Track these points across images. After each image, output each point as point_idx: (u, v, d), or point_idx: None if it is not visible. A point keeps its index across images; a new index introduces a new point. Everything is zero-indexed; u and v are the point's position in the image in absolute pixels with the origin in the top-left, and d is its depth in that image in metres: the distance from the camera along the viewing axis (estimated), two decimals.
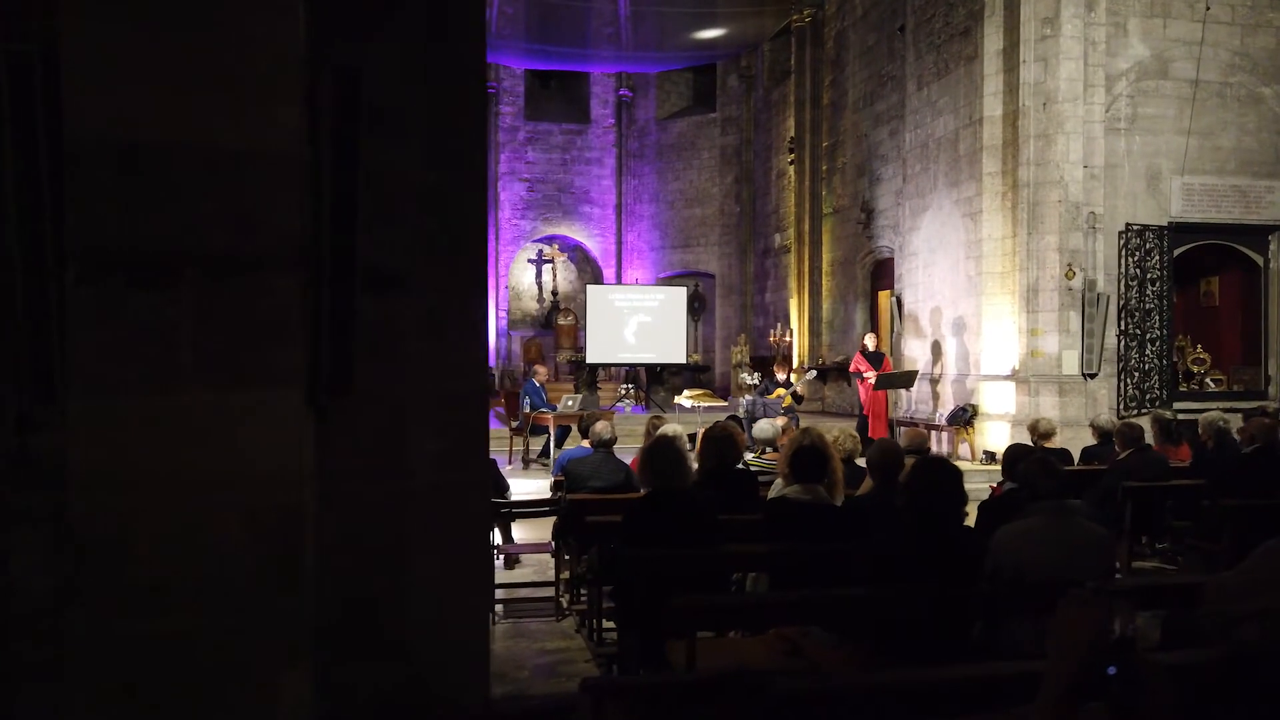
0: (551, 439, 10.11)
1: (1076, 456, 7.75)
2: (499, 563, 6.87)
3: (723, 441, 4.78)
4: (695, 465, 4.83)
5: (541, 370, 11.34)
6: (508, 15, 19.30)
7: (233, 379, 2.79)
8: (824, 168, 16.32)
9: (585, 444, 6.19)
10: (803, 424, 11.84)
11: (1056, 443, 9.14)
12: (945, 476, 3.29)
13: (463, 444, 3.67)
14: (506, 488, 6.72)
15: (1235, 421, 7.45)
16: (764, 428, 5.91)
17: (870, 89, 14.62)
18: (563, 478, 5.83)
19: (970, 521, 5.04)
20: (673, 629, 3.19)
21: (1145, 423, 7.12)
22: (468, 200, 3.75)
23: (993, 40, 10.99)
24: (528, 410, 10.34)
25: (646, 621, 3.47)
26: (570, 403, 10.43)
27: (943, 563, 3.26)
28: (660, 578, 3.71)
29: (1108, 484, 6.12)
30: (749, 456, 5.98)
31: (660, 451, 3.94)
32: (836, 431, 5.95)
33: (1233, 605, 2.87)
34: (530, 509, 6.25)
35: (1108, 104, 10.77)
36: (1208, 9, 10.93)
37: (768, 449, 5.85)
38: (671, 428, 5.81)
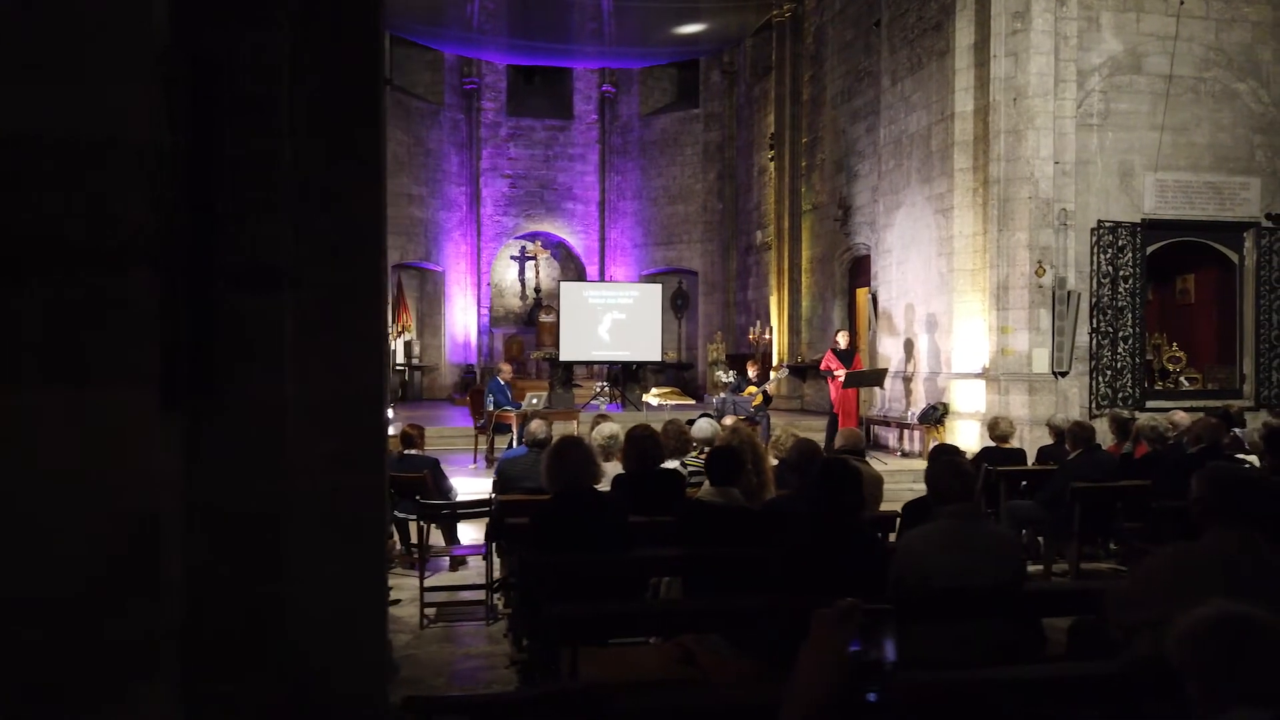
0: (515, 437, 9.99)
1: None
2: (444, 564, 6.77)
3: (644, 441, 4.66)
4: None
5: (505, 368, 11.23)
6: (489, 10, 19.16)
7: (84, 378, 2.68)
8: (803, 164, 16.20)
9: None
10: (774, 422, 11.74)
11: (1026, 442, 9.08)
12: (844, 479, 3.18)
13: (355, 446, 3.56)
14: (450, 488, 6.61)
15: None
16: (702, 427, 5.78)
17: (848, 84, 14.50)
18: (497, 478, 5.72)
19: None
20: (558, 637, 3.08)
21: (1103, 422, 7.00)
22: (363, 196, 3.63)
23: (964, 35, 10.87)
24: (491, 409, 10.22)
25: (543, 628, 3.36)
26: (535, 401, 10.31)
27: (843, 568, 3.15)
28: (566, 583, 3.61)
29: (1057, 485, 6.01)
30: (691, 456, 5.86)
31: (564, 453, 3.83)
32: (779, 431, 5.84)
33: (1128, 614, 2.76)
34: (472, 510, 6.13)
35: (1080, 99, 10.65)
36: (1181, 3, 10.81)
37: (706, 449, 5.73)
38: (610, 427, 5.72)
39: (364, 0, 3.57)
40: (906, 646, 3.36)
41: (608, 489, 4.85)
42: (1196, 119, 10.95)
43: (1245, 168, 11.07)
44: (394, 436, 6.98)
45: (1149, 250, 10.93)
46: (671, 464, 5.60)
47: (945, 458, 3.49)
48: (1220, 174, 11.02)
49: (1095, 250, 10.70)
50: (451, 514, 6.33)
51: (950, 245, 11.13)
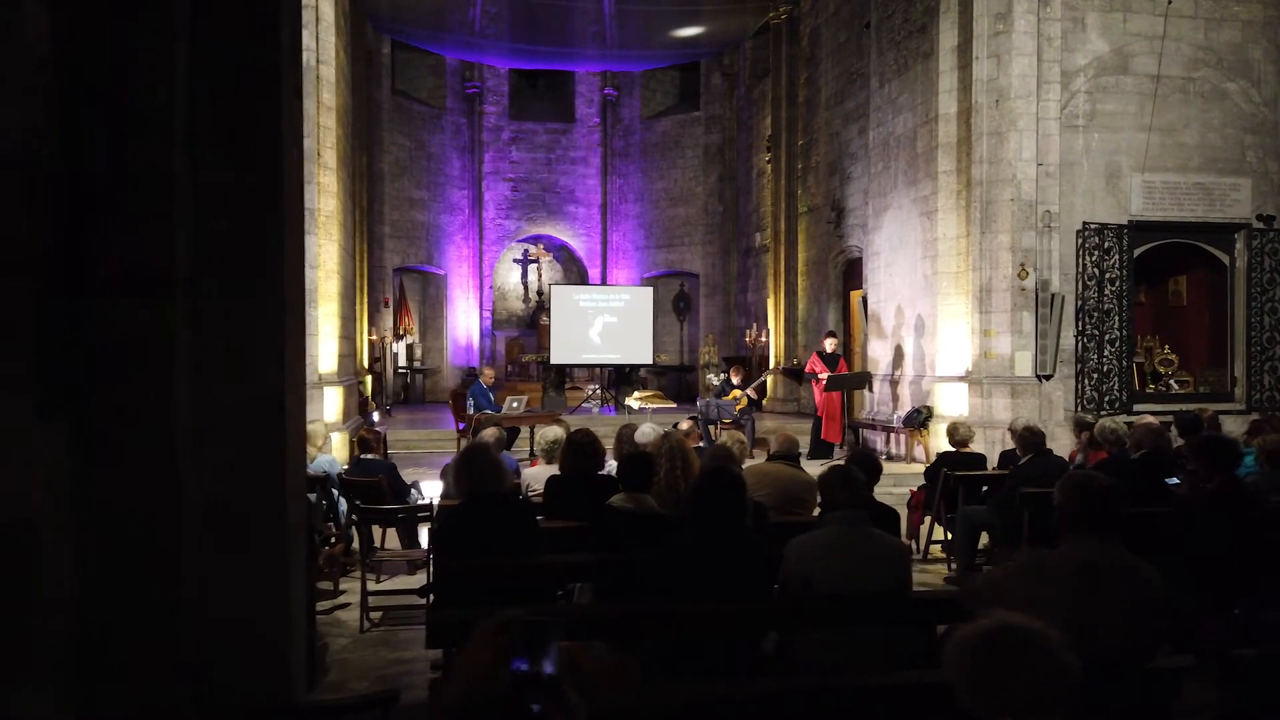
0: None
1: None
2: (403, 568, 6.82)
3: (582, 448, 4.68)
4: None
5: (488, 372, 11.29)
6: (491, 15, 19.28)
7: None
8: (800, 166, 16.16)
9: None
10: (762, 425, 11.73)
11: (1006, 447, 9.01)
12: (724, 487, 3.19)
13: (251, 454, 3.59)
14: (406, 492, 6.66)
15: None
16: (645, 432, 5.80)
17: (841, 86, 14.46)
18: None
19: None
20: (440, 640, 3.11)
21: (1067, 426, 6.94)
22: (265, 201, 3.68)
23: (948, 37, 10.82)
24: (472, 412, 10.28)
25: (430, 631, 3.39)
26: (515, 405, 10.36)
27: (721, 574, 3.16)
28: (471, 587, 3.65)
29: (1007, 489, 5.98)
30: None
31: (472, 459, 3.86)
32: (725, 437, 5.86)
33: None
34: (423, 514, 6.18)
35: (1065, 101, 10.56)
36: (1170, 2, 10.70)
37: None
38: (553, 431, 5.75)
39: (266, 8, 3.63)
40: (792, 650, 3.36)
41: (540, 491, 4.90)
42: (1185, 119, 10.83)
43: (1236, 168, 10.93)
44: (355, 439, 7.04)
45: (1136, 252, 10.82)
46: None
47: (833, 465, 3.49)
48: (1209, 175, 10.88)
49: (1081, 252, 10.60)
50: (408, 517, 6.39)
51: (935, 248, 11.08)
